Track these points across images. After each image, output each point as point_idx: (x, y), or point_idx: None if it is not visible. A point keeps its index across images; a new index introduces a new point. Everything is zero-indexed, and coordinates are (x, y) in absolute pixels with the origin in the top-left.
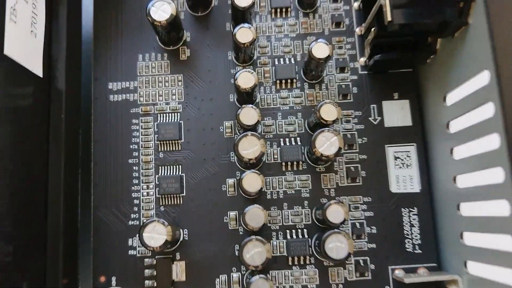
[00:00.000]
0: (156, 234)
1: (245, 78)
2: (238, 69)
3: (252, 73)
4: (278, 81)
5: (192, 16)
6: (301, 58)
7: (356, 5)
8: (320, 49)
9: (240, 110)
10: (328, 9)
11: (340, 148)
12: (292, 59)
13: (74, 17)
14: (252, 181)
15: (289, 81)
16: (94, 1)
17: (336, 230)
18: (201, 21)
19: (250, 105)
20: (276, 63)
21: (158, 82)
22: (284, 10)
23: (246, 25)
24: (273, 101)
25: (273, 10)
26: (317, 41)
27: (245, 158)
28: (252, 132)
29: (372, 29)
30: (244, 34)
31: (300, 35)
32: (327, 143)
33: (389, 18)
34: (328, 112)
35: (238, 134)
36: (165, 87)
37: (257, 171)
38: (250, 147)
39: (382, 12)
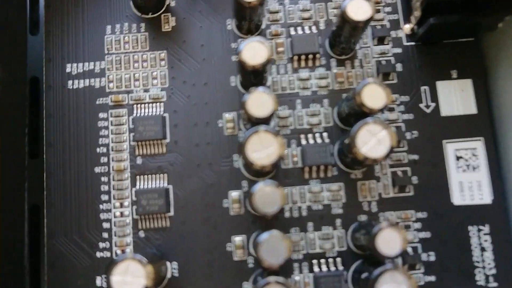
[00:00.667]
0: (131, 277)
1: (253, 51)
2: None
3: (262, 43)
4: (295, 58)
5: None
6: (326, 26)
7: None
8: (358, 8)
9: (247, 95)
10: None
11: (392, 148)
12: (314, 28)
13: None
14: (267, 197)
15: (310, 57)
16: None
17: (389, 266)
18: None
19: (262, 88)
20: (292, 33)
21: (133, 62)
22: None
23: None
24: (289, 84)
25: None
26: None
27: (256, 164)
28: (265, 127)
29: None
30: None
31: None
32: (373, 140)
33: None
34: (373, 95)
35: (244, 130)
36: (142, 68)
37: (274, 182)
38: (263, 148)
39: None
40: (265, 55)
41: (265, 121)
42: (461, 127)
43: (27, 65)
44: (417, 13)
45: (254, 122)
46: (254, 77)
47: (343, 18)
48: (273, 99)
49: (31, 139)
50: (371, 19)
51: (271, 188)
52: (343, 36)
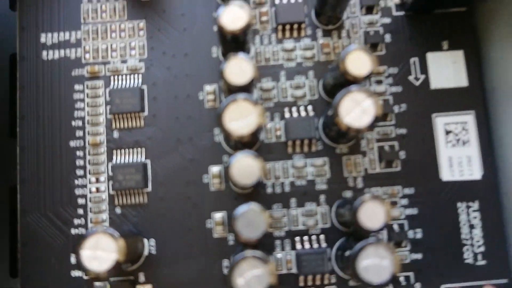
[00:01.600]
0: (102, 252)
1: (233, 15)
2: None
3: (242, 6)
4: (280, 27)
5: None
6: None
7: None
8: None
9: (225, 62)
10: None
11: (377, 118)
12: None
13: None
14: (245, 169)
15: (295, 26)
16: None
17: (372, 240)
18: None
19: (241, 55)
20: (277, 1)
21: (110, 32)
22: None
23: None
24: (273, 55)
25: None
26: None
27: (234, 134)
28: (244, 95)
29: None
30: None
31: None
32: (357, 110)
33: None
34: (358, 63)
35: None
36: (120, 38)
37: (253, 153)
38: (241, 118)
39: None
40: (245, 19)
41: (245, 89)
42: (451, 100)
43: (7, 41)
44: None
45: (233, 91)
46: (235, 45)
47: None
48: (253, 66)
49: (12, 118)
50: None
51: (249, 159)
52: (329, 3)
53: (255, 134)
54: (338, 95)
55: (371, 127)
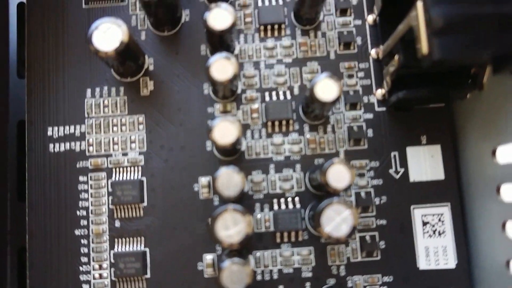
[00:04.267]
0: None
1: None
2: (217, 106)
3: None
4: (270, 123)
5: (156, 36)
6: (300, 92)
7: (370, 19)
8: (326, 88)
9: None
10: (334, 25)
11: (355, 228)
12: (288, 93)
13: None
14: (234, 275)
15: (284, 122)
16: (27, 23)
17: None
18: (167, 42)
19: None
20: (267, 99)
21: (112, 126)
22: (276, 27)
23: (223, 54)
24: (263, 150)
25: (262, 28)
26: (321, 78)
27: (225, 242)
28: (234, 206)
29: (396, 57)
30: (221, 68)
31: (298, 60)
32: (337, 219)
33: (425, 51)
34: (338, 175)
35: (218, 202)
36: (121, 132)
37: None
38: (232, 226)
39: (411, 37)
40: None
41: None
42: (429, 192)
43: (16, 108)
44: (386, 83)
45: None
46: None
47: (312, 97)
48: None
49: (12, 203)
50: (338, 99)
51: (237, 266)
52: (314, 108)
53: (244, 241)
54: (321, 205)
55: (350, 236)
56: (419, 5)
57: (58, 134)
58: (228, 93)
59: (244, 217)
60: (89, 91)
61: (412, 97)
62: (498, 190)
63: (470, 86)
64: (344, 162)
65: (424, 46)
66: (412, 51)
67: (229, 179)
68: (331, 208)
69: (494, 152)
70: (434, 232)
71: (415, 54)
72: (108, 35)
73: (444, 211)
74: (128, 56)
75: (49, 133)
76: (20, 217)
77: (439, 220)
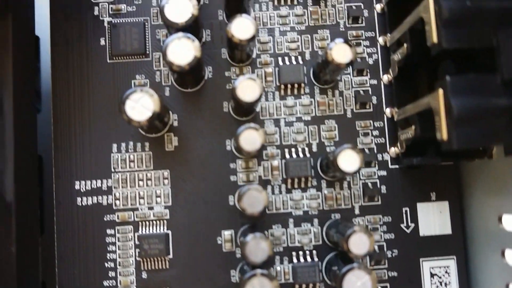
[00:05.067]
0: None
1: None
2: (239, 162)
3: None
4: (290, 180)
5: (180, 92)
6: (318, 148)
7: (386, 79)
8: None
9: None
10: (351, 84)
11: None
12: (307, 151)
13: (26, 103)
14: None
15: (303, 179)
16: (52, 78)
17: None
18: (191, 99)
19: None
20: (288, 156)
21: (138, 180)
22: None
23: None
24: (283, 205)
25: (282, 87)
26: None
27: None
28: (262, 271)
29: (412, 127)
30: (250, 137)
31: (317, 118)
32: (358, 283)
33: (444, 137)
34: (358, 243)
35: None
36: (147, 186)
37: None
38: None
39: (429, 111)
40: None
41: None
42: (436, 246)
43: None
44: (401, 145)
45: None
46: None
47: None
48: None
49: (43, 254)
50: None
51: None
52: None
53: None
54: (342, 270)
55: None
56: (440, 93)
57: (85, 188)
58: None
59: (272, 282)
60: (115, 145)
61: (425, 163)
62: (503, 253)
63: (480, 153)
64: (365, 231)
65: (444, 133)
66: (429, 123)
67: (257, 246)
68: (353, 273)
69: (500, 219)
70: (441, 283)
71: (432, 125)
72: (139, 105)
73: (450, 263)
74: (157, 120)
75: (77, 186)
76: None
77: (446, 272)
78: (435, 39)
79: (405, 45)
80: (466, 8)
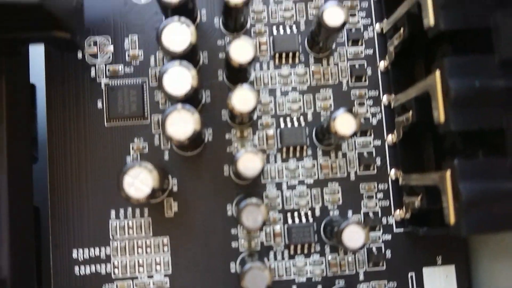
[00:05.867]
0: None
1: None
2: (240, 228)
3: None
4: (292, 246)
5: (179, 156)
6: (321, 213)
7: (390, 139)
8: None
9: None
10: (354, 145)
11: None
12: (310, 215)
13: (18, 172)
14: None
15: (306, 245)
16: (48, 143)
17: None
18: (191, 162)
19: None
20: (290, 222)
21: (137, 248)
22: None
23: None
24: (286, 272)
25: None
26: None
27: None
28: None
29: (419, 197)
30: (251, 214)
31: (319, 181)
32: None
33: (452, 222)
34: None
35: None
36: (146, 254)
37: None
38: None
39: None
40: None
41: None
42: None
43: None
44: (406, 209)
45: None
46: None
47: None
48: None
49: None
50: None
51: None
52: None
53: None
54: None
55: None
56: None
57: (83, 257)
58: None
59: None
60: (113, 211)
61: (432, 234)
62: None
63: None
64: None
65: (452, 218)
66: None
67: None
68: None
69: None
70: None
71: (438, 198)
72: (138, 181)
73: None
74: (156, 193)
75: (74, 255)
76: None
77: None
78: (432, 21)
79: (401, 29)
80: None
